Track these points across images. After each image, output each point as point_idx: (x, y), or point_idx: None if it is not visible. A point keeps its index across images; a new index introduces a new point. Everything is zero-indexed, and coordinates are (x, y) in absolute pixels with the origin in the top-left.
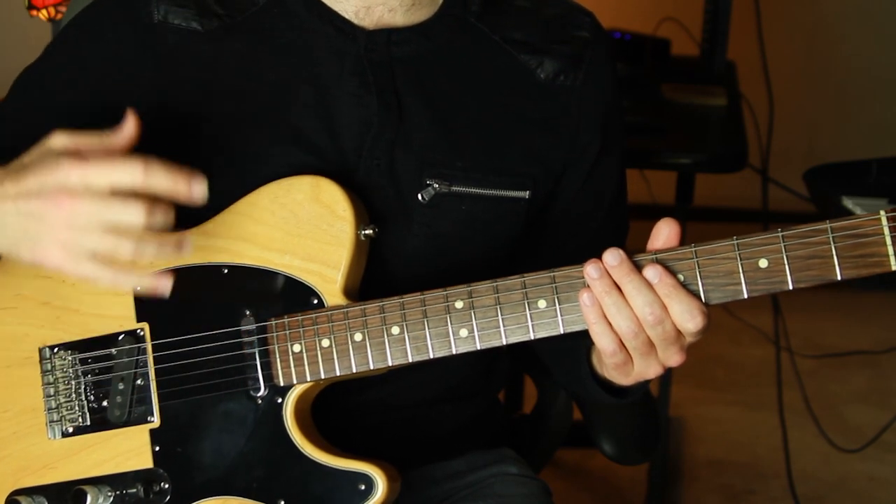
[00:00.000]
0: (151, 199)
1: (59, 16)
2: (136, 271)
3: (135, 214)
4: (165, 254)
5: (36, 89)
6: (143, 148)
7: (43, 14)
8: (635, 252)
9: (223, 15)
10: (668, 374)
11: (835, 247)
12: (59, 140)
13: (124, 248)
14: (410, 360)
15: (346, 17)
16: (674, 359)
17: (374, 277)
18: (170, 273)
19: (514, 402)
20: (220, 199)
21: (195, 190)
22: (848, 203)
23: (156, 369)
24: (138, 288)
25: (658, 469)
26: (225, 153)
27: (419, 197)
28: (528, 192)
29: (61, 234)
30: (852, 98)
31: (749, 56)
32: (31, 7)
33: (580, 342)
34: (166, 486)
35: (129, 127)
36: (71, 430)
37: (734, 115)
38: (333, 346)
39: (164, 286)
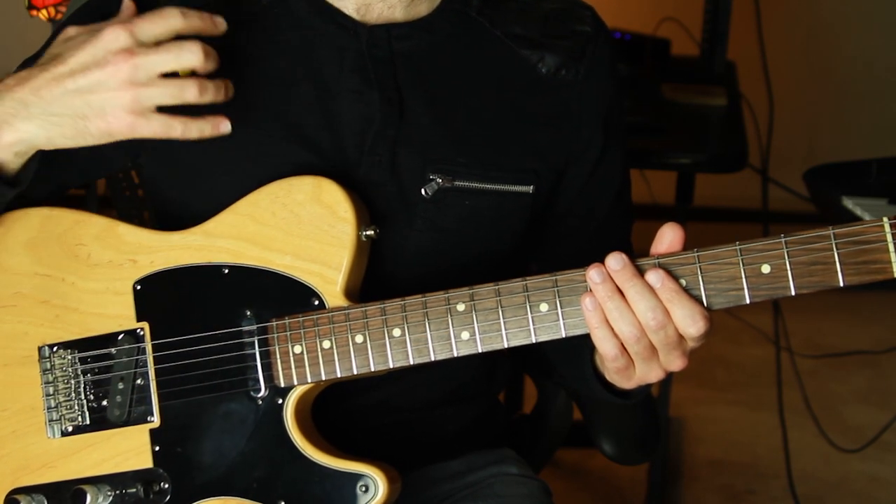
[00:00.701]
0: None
1: (59, 16)
2: (200, 119)
3: (194, 52)
4: (222, 89)
5: None
6: (146, 143)
7: (43, 14)
8: (638, 256)
9: (226, 12)
10: (670, 374)
11: (837, 253)
12: (72, 29)
13: (190, 90)
14: (412, 362)
15: (347, 13)
16: (676, 363)
17: (377, 275)
18: (223, 116)
19: (514, 402)
20: (222, 198)
21: (219, 25)
22: (848, 203)
23: (156, 369)
24: (206, 132)
25: (658, 469)
26: (226, 150)
27: (422, 192)
28: (531, 186)
29: (126, 95)
30: (852, 98)
31: (749, 56)
32: (31, 7)
33: (584, 341)
34: (166, 486)
35: (208, 22)
36: (70, 429)
37: (734, 115)
38: (334, 347)
39: (225, 127)
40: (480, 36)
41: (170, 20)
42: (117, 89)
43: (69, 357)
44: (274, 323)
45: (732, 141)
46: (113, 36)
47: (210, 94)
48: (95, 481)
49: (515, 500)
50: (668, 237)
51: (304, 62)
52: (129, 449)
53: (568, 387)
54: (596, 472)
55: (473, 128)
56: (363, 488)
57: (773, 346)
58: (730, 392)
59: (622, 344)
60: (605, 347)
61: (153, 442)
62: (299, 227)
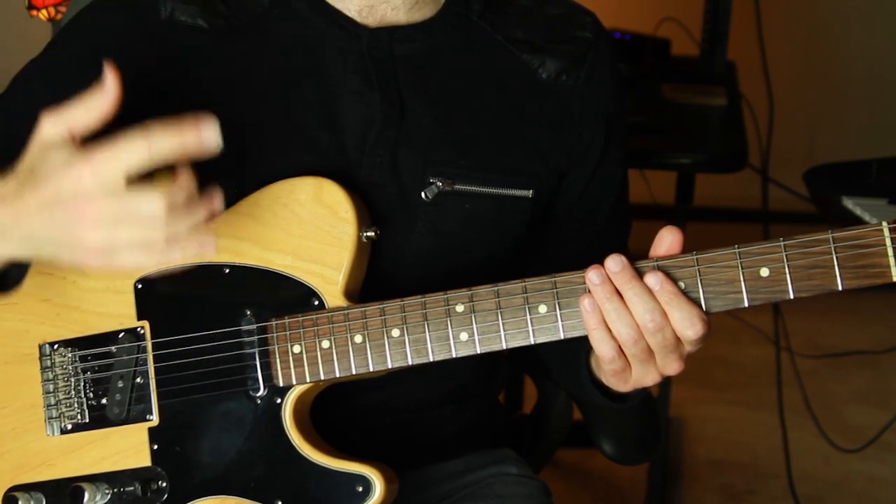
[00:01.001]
0: (169, 175)
1: (59, 16)
2: (179, 242)
3: (153, 205)
4: (198, 223)
5: (41, 83)
6: None
7: (43, 14)
8: (637, 257)
9: (228, 15)
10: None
11: (836, 257)
12: (49, 128)
13: (157, 233)
14: (410, 363)
15: (350, 15)
16: (672, 367)
17: (377, 276)
18: (211, 236)
19: (514, 402)
20: (223, 199)
21: (206, 137)
22: (848, 203)
23: (155, 368)
24: (187, 255)
25: (658, 469)
26: (227, 151)
27: (422, 195)
28: (531, 190)
29: (92, 237)
30: (852, 98)
31: (749, 56)
32: (31, 7)
33: (580, 346)
34: (164, 484)
35: (110, 83)
36: (70, 427)
37: (734, 115)
38: (333, 347)
39: (209, 247)
40: (482, 40)
41: (135, 155)
42: (82, 235)
43: (69, 355)
44: (273, 322)
45: (732, 141)
46: (76, 177)
47: (183, 228)
48: (94, 479)
49: (515, 500)
50: (667, 240)
51: (305, 64)
52: (128, 447)
53: (566, 391)
54: (596, 472)
55: (474, 131)
56: (360, 488)
57: (773, 346)
58: (730, 392)
59: (619, 346)
60: (602, 349)
61: (152, 440)
62: (300, 227)
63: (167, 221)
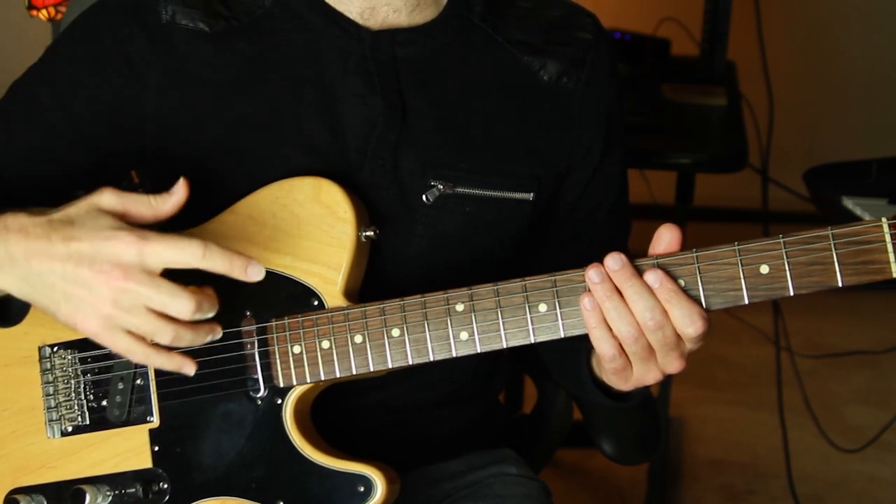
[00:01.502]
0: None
1: (59, 16)
2: (167, 353)
3: (184, 307)
4: (200, 341)
5: (43, 87)
6: (148, 147)
7: (43, 14)
8: (636, 256)
9: (229, 17)
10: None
11: (836, 253)
12: (108, 199)
13: (164, 335)
14: (410, 363)
15: (351, 17)
16: (673, 365)
17: (377, 278)
18: (193, 361)
19: (514, 402)
20: (223, 200)
21: (251, 273)
22: (848, 203)
23: (155, 369)
24: (166, 367)
25: (658, 469)
26: (229, 153)
27: (423, 198)
28: (532, 193)
29: (104, 309)
30: (852, 98)
31: (749, 56)
32: (31, 7)
33: (581, 345)
34: (165, 486)
35: (179, 193)
36: (70, 429)
37: (734, 115)
38: (333, 347)
39: (189, 368)
40: (483, 42)
41: (187, 255)
42: (97, 300)
43: (69, 357)
44: (273, 323)
45: (732, 141)
46: (122, 247)
47: (186, 341)
48: (95, 481)
49: (515, 500)
50: (666, 238)
51: (307, 66)
52: (129, 449)
53: (566, 391)
54: (596, 472)
55: (475, 133)
56: (362, 488)
57: (773, 346)
58: (730, 392)
59: (620, 344)
60: (602, 348)
61: (152, 442)
62: (299, 227)
63: (180, 328)
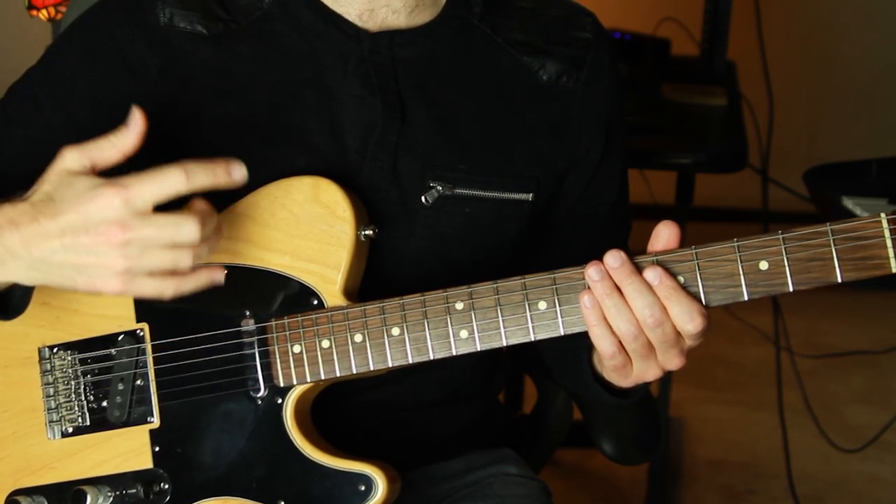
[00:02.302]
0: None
1: (59, 16)
2: (194, 274)
3: (191, 230)
4: (216, 245)
5: (41, 89)
6: (148, 149)
7: (43, 14)
8: (636, 254)
9: (227, 19)
10: (668, 374)
11: (835, 249)
12: (71, 158)
13: (184, 260)
14: (411, 361)
15: (350, 19)
16: (673, 362)
17: (376, 278)
18: (220, 266)
19: (514, 402)
20: (222, 200)
21: (235, 175)
22: (848, 203)
23: (155, 370)
24: (201, 286)
25: (658, 469)
26: (228, 155)
27: (422, 199)
28: (531, 194)
29: (118, 264)
30: (852, 98)
31: (749, 56)
32: (31, 7)
33: (581, 343)
34: (166, 486)
35: (137, 124)
36: (70, 430)
37: (734, 115)
38: (333, 346)
39: (219, 277)
40: (482, 43)
41: (170, 184)
42: (108, 261)
43: (69, 358)
44: (273, 323)
45: (732, 141)
46: (106, 203)
47: (204, 255)
48: (96, 482)
49: (515, 500)
50: (665, 235)
51: (306, 68)
52: (130, 450)
53: (567, 389)
54: (596, 472)
55: (475, 134)
56: (363, 488)
57: (773, 346)
58: (729, 392)
59: (620, 342)
60: (602, 345)
61: (153, 442)
62: (298, 227)
63: (196, 247)
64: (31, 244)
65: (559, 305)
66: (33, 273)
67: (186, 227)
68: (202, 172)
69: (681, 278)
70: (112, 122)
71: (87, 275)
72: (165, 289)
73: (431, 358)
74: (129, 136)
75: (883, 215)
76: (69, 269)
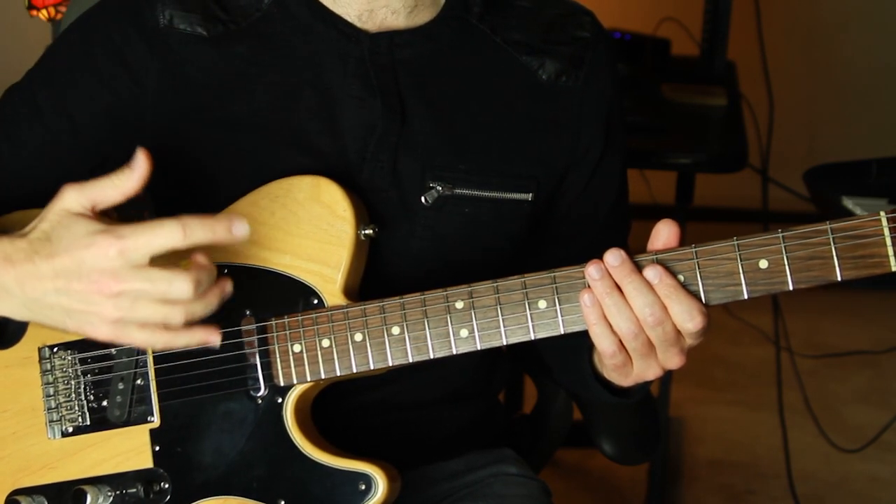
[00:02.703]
0: (196, 263)
1: (59, 16)
2: (188, 331)
3: (184, 288)
4: (214, 305)
5: (39, 92)
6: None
7: (43, 14)
8: (636, 253)
9: (227, 20)
10: (668, 374)
11: (835, 247)
12: (72, 198)
13: (175, 317)
14: (411, 361)
15: (349, 20)
16: (673, 361)
17: (376, 278)
18: (216, 327)
19: (514, 402)
20: (222, 201)
21: (237, 231)
22: (848, 203)
23: (155, 369)
24: (192, 345)
25: (658, 469)
26: (228, 156)
27: (422, 199)
28: (531, 194)
29: (109, 313)
30: (852, 98)
31: (749, 56)
32: (31, 7)
33: (581, 342)
34: (166, 485)
35: (140, 166)
36: (71, 429)
37: (734, 115)
38: (334, 346)
39: (215, 338)
40: (481, 43)
41: (167, 239)
42: (99, 309)
43: (69, 358)
44: (273, 322)
45: (732, 141)
46: (102, 252)
47: (199, 313)
48: (96, 482)
49: (515, 500)
50: (664, 234)
51: (305, 69)
52: (130, 449)
53: (567, 389)
54: (596, 472)
55: (474, 134)
56: (363, 487)
57: (773, 346)
58: (729, 392)
59: (620, 340)
60: (603, 344)
61: (153, 442)
62: (298, 226)
63: (189, 305)
64: (25, 283)
65: (559, 304)
66: (25, 311)
67: (179, 285)
68: (201, 229)
69: (681, 277)
70: (111, 124)
71: (78, 320)
72: (156, 341)
73: (431, 357)
74: (131, 178)
75: (882, 214)
76: (60, 312)
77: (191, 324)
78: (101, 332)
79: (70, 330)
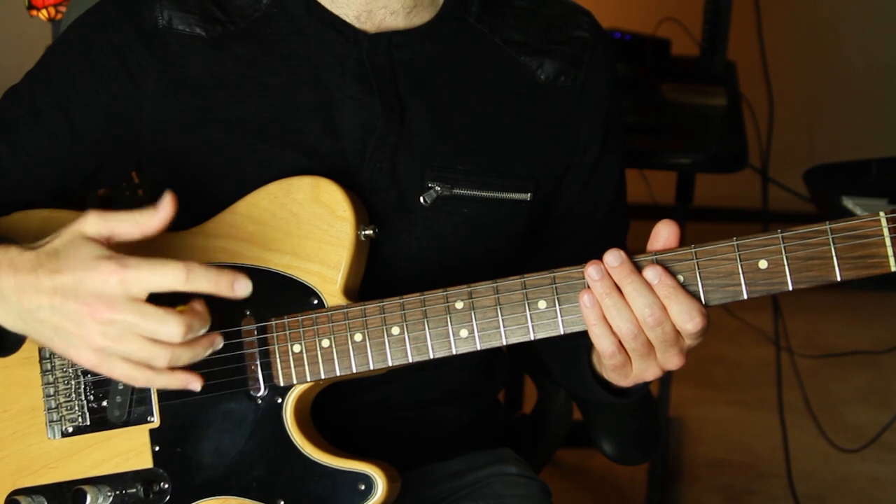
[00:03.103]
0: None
1: (59, 16)
2: (169, 373)
3: (174, 332)
4: (201, 356)
5: (39, 93)
6: (146, 150)
7: (43, 14)
8: (635, 253)
9: (226, 21)
10: (668, 374)
11: (834, 248)
12: (92, 223)
13: (159, 359)
14: (410, 361)
15: (348, 20)
16: (672, 361)
17: (375, 278)
18: (199, 376)
19: (514, 402)
20: (222, 202)
21: (238, 289)
22: (848, 203)
23: None
24: (172, 387)
25: (658, 469)
26: (227, 157)
27: (421, 200)
28: (529, 194)
29: (95, 342)
30: (852, 98)
31: (749, 56)
32: (31, 7)
33: (581, 342)
34: (166, 486)
35: (166, 209)
36: (71, 429)
37: (734, 115)
38: (333, 346)
39: (195, 384)
40: (480, 43)
41: (170, 280)
42: (86, 333)
43: None
44: (273, 322)
45: (732, 141)
46: (103, 278)
47: (184, 360)
48: (96, 482)
49: (515, 500)
50: (664, 234)
51: (304, 69)
52: (129, 449)
53: (566, 389)
54: (596, 472)
55: (473, 135)
56: (363, 487)
57: (773, 346)
58: (729, 392)
59: (619, 341)
60: (602, 344)
61: (153, 442)
62: (298, 226)
63: (176, 350)
64: (23, 293)
65: (559, 304)
66: (18, 321)
67: (170, 327)
68: (204, 278)
69: (680, 277)
70: (110, 125)
71: (64, 340)
72: (136, 378)
73: (431, 357)
74: (155, 218)
75: (882, 214)
76: (49, 329)
77: (175, 368)
78: (83, 358)
79: (56, 349)
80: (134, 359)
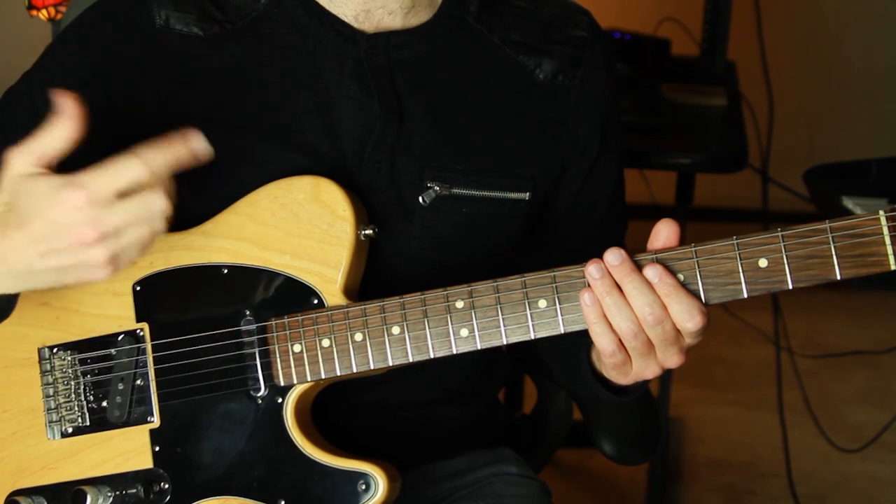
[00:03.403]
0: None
1: (59, 16)
2: (168, 199)
3: (158, 203)
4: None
5: (37, 94)
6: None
7: (43, 14)
8: (635, 252)
9: (223, 21)
10: (668, 374)
11: (834, 246)
12: (19, 161)
13: (155, 201)
14: (411, 360)
15: (346, 20)
16: (672, 360)
17: (375, 278)
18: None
19: (514, 402)
20: (221, 202)
21: (196, 148)
22: (848, 203)
23: (155, 369)
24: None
25: (658, 469)
26: (226, 157)
27: (420, 199)
28: (528, 193)
29: (100, 256)
30: (852, 98)
31: (749, 56)
32: (31, 7)
33: (581, 341)
34: (166, 486)
35: (69, 106)
36: (70, 430)
37: (734, 115)
38: (334, 345)
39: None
40: (479, 43)
41: (130, 174)
42: (89, 258)
43: (69, 358)
44: (273, 322)
45: (732, 141)
46: (71, 206)
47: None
48: (96, 482)
49: (515, 500)
50: (664, 233)
51: (303, 69)
52: (130, 449)
53: (567, 388)
54: (596, 472)
55: (472, 134)
56: (363, 487)
57: (773, 346)
58: (730, 392)
59: (620, 339)
60: (602, 343)
61: (153, 442)
62: (298, 226)
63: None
64: (8, 258)
65: (559, 303)
66: (19, 283)
67: (153, 202)
68: (160, 155)
69: (680, 276)
70: (109, 125)
71: (74, 274)
72: (157, 230)
73: (432, 356)
74: (65, 119)
75: (882, 213)
76: (53, 273)
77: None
78: (100, 275)
79: (70, 284)
80: (138, 220)
